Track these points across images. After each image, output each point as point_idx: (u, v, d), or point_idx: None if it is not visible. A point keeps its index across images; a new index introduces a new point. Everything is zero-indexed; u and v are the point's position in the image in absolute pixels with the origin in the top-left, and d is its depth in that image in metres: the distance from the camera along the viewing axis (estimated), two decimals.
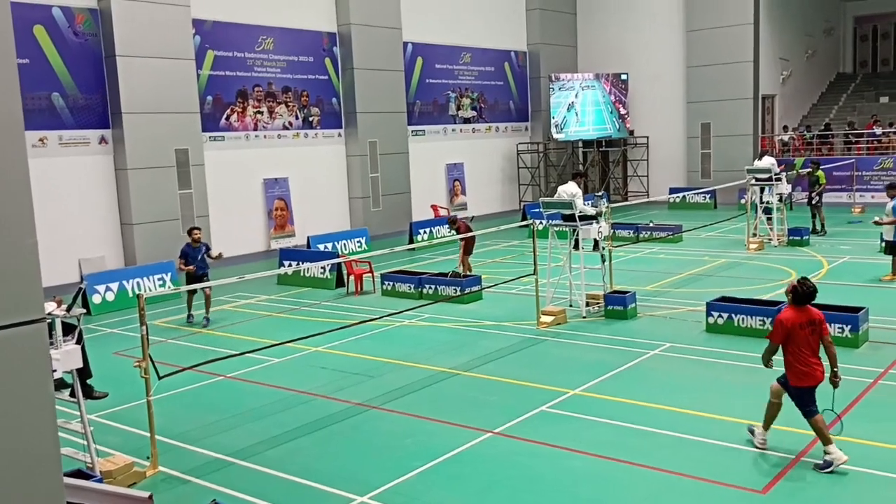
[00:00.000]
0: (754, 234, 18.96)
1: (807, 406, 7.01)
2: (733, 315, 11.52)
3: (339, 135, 24.33)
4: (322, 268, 16.84)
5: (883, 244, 15.32)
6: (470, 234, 15.37)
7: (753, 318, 11.35)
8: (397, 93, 25.24)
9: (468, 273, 15.94)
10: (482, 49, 29.03)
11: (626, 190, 31.29)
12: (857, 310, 10.82)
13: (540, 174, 30.43)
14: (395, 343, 12.12)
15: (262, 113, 22.30)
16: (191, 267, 13.56)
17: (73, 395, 7.24)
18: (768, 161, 19.61)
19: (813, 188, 20.13)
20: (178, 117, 19.51)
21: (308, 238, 20.10)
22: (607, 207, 13.42)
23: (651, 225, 21.24)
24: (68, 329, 7.10)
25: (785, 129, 30.19)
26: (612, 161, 31.25)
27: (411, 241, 20.96)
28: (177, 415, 9.25)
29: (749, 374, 9.79)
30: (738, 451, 7.48)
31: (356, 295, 15.92)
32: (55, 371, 6.89)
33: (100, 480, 7.03)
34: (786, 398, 7.27)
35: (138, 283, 16.14)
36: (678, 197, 27.54)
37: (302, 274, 17.19)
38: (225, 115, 21.42)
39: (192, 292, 14.03)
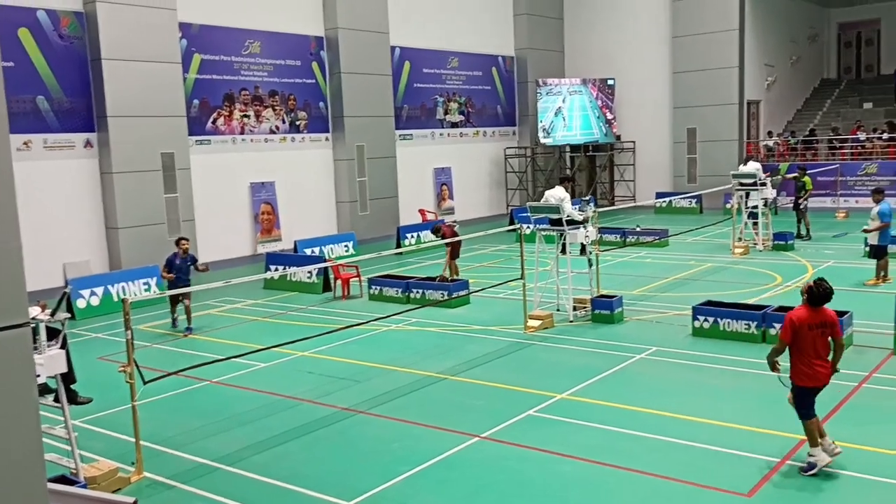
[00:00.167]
0: (740, 239, 19.07)
1: (803, 407, 7.01)
2: (719, 319, 11.58)
3: (327, 139, 24.29)
4: (309, 272, 16.80)
5: (867, 248, 15.44)
6: (456, 239, 15.38)
7: (739, 321, 11.40)
8: (385, 97, 25.23)
9: (455, 277, 15.94)
10: (470, 54, 29.07)
11: (612, 194, 31.40)
12: (841, 314, 10.85)
13: (527, 179, 30.48)
14: (382, 347, 12.10)
15: (248, 117, 22.24)
16: (171, 275, 13.38)
17: (57, 400, 7.18)
18: (753, 166, 19.74)
19: (800, 193, 20.27)
20: (164, 121, 19.42)
21: (295, 242, 20.05)
22: (594, 212, 13.47)
23: (638, 229, 21.32)
24: (52, 334, 7.05)
25: (770, 134, 30.39)
26: (599, 166, 31.36)
27: (399, 246, 20.94)
28: (162, 420, 9.19)
29: (735, 378, 9.85)
30: (724, 454, 7.51)
31: (343, 299, 15.88)
32: (39, 376, 6.83)
33: (84, 486, 6.98)
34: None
35: (123, 288, 16.06)
36: (665, 201, 27.66)
37: (288, 278, 17.14)
38: (211, 119, 21.34)
39: (174, 299, 13.69)
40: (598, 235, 14.11)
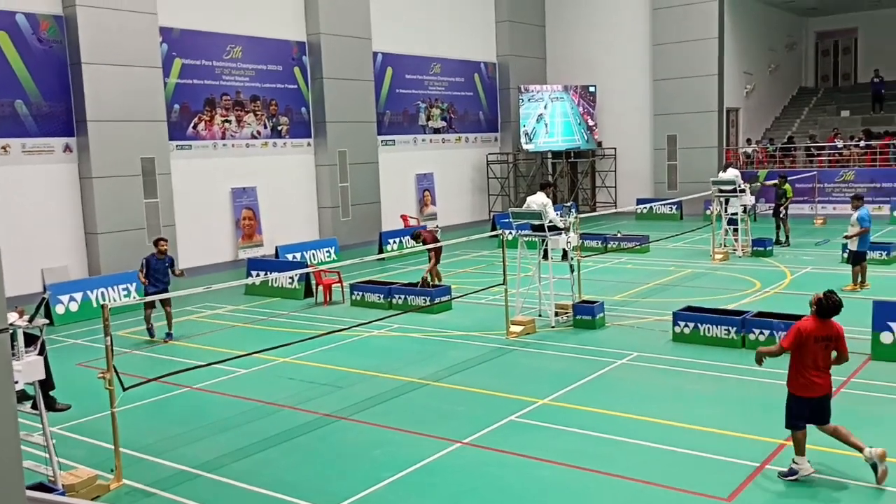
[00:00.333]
0: (721, 245, 19.23)
1: (794, 418, 7.03)
2: (699, 324, 11.66)
3: (309, 144, 24.24)
4: (290, 278, 16.74)
5: (846, 254, 15.62)
6: (437, 245, 15.39)
7: (719, 327, 11.49)
8: (367, 102, 25.23)
9: (437, 283, 15.95)
10: (452, 60, 29.15)
11: (594, 201, 31.56)
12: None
13: (509, 185, 30.57)
14: (363, 353, 12.08)
15: (229, 122, 22.15)
16: (145, 279, 13.13)
17: (35, 407, 7.12)
18: (732, 173, 19.92)
19: (780, 201, 20.47)
20: (144, 125, 19.31)
21: (276, 248, 19.98)
22: (576, 218, 13.53)
23: (619, 235, 21.44)
24: (30, 340, 6.98)
25: (749, 141, 30.68)
26: (581, 172, 31.52)
27: (381, 251, 20.92)
28: (142, 427, 9.13)
29: (715, 383, 9.92)
30: (704, 459, 7.56)
31: (325, 305, 15.84)
32: (17, 382, 6.77)
33: (62, 494, 6.91)
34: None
35: (103, 294, 15.92)
36: (645, 208, 27.83)
37: (270, 284, 17.07)
38: (192, 124, 21.24)
39: (149, 307, 13.38)
40: (580, 241, 14.18)
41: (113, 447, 7.60)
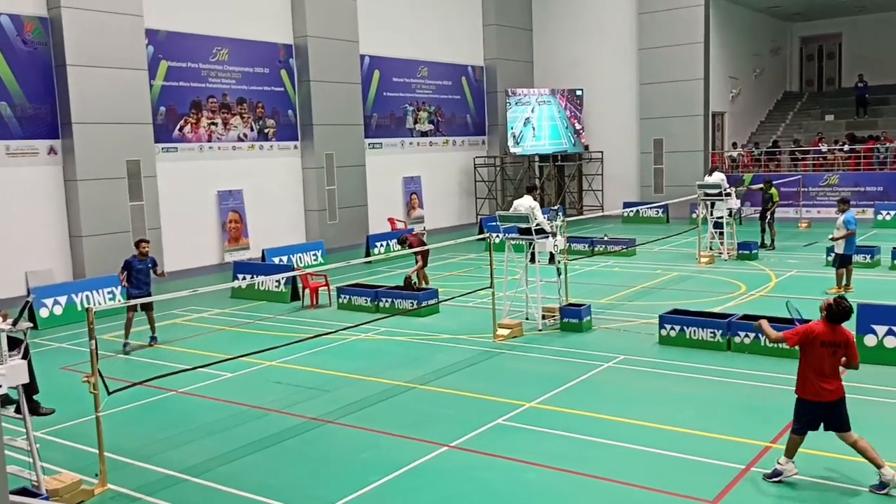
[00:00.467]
0: (707, 248, 19.33)
1: (797, 420, 7.00)
2: (685, 327, 11.71)
3: (295, 147, 24.19)
4: (277, 281, 16.69)
5: (832, 257, 15.72)
6: (424, 248, 15.38)
7: (705, 330, 11.54)
8: (354, 105, 25.22)
9: (424, 286, 15.95)
10: (439, 63, 29.18)
11: (581, 204, 31.66)
12: (804, 322, 11.05)
13: (497, 188, 30.62)
14: (350, 357, 12.05)
15: (216, 124, 22.08)
16: (126, 282, 12.80)
17: (18, 411, 7.07)
18: (718, 177, 20.03)
19: (767, 205, 20.60)
20: (129, 128, 19.21)
21: (263, 251, 19.91)
22: (563, 221, 13.56)
23: (605, 239, 21.50)
24: (14, 344, 6.93)
25: (734, 145, 30.87)
26: (568, 175, 31.61)
27: (368, 255, 20.90)
28: (127, 431, 9.07)
29: (701, 386, 9.97)
30: (690, 461, 7.59)
31: (311, 308, 15.80)
32: (0, 386, 6.72)
33: (46, 499, 6.87)
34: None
35: (87, 297, 15.81)
36: (632, 211, 27.94)
37: (256, 287, 17.01)
38: (178, 127, 21.15)
39: (132, 309, 12.87)
40: (567, 244, 14.21)
41: (97, 451, 7.54)
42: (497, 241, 14.19)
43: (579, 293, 14.90)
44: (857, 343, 10.46)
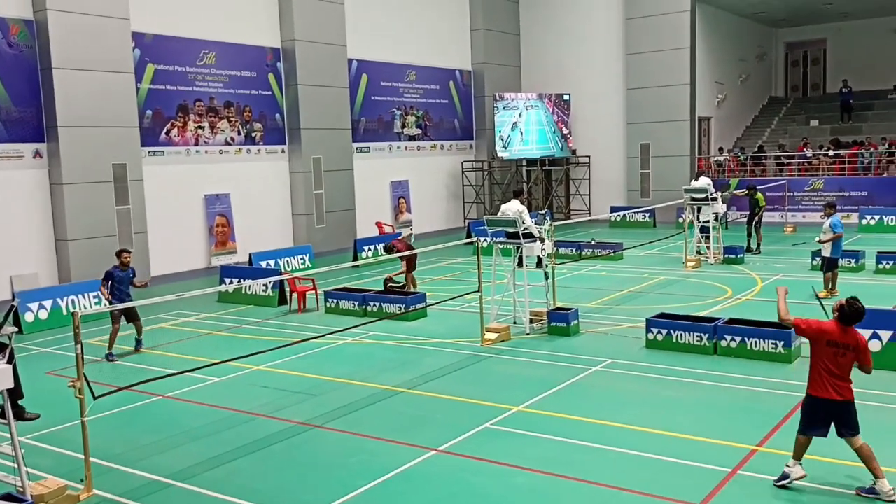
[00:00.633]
0: (696, 252, 19.43)
1: (804, 419, 6.96)
2: (672, 331, 11.75)
3: (283, 151, 24.15)
4: (264, 285, 16.64)
5: (817, 261, 15.83)
6: (410, 253, 15.36)
7: (691, 334, 11.59)
8: (342, 109, 25.20)
9: (412, 289, 15.94)
10: (427, 67, 29.21)
11: (568, 208, 31.75)
12: (788, 326, 11.13)
13: (484, 192, 30.68)
14: (338, 361, 12.03)
15: (203, 128, 22.01)
16: (108, 294, 12.46)
17: (3, 416, 7.00)
18: (704, 181, 20.15)
19: (755, 209, 20.72)
20: (116, 131, 19.12)
21: (250, 255, 19.85)
22: (550, 225, 13.60)
23: (593, 243, 21.58)
24: None
25: (720, 150, 31.06)
26: (555, 180, 31.70)
27: (356, 259, 20.87)
28: (112, 436, 9.01)
29: (688, 389, 10.01)
30: (677, 465, 7.62)
31: (299, 312, 15.77)
32: None
33: None
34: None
35: (73, 301, 15.71)
36: (619, 215, 28.04)
37: (243, 291, 16.95)
38: (165, 130, 21.07)
39: (117, 323, 12.60)
40: (554, 249, 14.25)
41: (83, 457, 7.49)
42: (485, 245, 14.21)
43: (567, 297, 14.94)
44: None
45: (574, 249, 21.01)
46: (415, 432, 8.73)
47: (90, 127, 18.56)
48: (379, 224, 25.77)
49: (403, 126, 28.54)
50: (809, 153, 28.97)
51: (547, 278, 13.43)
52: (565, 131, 30.49)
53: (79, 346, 7.39)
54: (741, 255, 19.36)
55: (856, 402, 6.91)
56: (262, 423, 9.29)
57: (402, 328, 13.87)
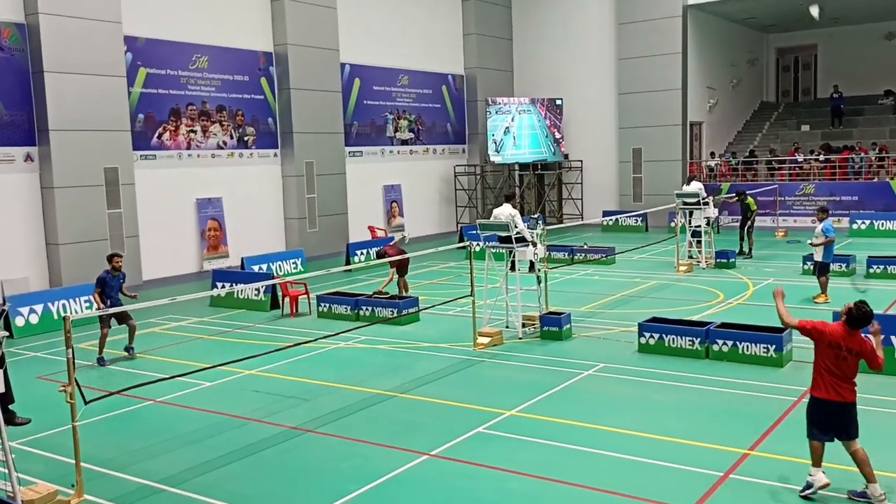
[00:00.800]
0: (688, 257, 19.48)
1: (810, 422, 6.92)
2: (664, 335, 11.78)
3: (275, 155, 24.12)
4: (256, 289, 16.61)
5: (810, 265, 15.88)
6: (399, 258, 15.32)
7: (683, 338, 11.62)
8: (334, 113, 25.20)
9: (405, 294, 15.93)
10: (420, 72, 29.24)
11: (561, 213, 31.79)
12: (780, 330, 11.19)
13: (477, 196, 30.70)
14: (330, 365, 12.01)
15: (195, 132, 21.97)
16: (103, 302, 12.35)
17: None
18: (696, 186, 20.20)
19: (747, 214, 20.78)
20: (107, 135, 19.06)
21: (242, 259, 19.80)
22: (543, 229, 13.62)
23: (585, 247, 21.61)
24: None
25: (712, 155, 31.15)
26: (548, 184, 31.74)
27: (348, 263, 20.85)
28: (103, 441, 8.97)
29: (680, 393, 10.03)
30: (669, 469, 7.63)
31: (291, 317, 15.74)
32: None
33: None
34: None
35: (64, 305, 15.65)
36: (611, 220, 28.10)
37: (235, 296, 16.91)
38: (157, 134, 21.02)
39: (106, 327, 12.49)
40: (547, 253, 14.27)
41: (74, 462, 7.45)
42: (477, 249, 14.23)
43: (559, 301, 14.96)
44: None
45: (566, 254, 21.04)
46: (407, 437, 8.72)
47: (82, 130, 18.51)
48: (371, 228, 25.74)
49: (396, 130, 28.55)
50: (800, 158, 29.08)
51: (539, 282, 13.45)
52: (558, 136, 30.55)
53: (70, 351, 7.36)
54: (733, 260, 19.42)
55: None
56: (253, 428, 9.26)
57: (395, 332, 13.85)
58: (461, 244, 16.65)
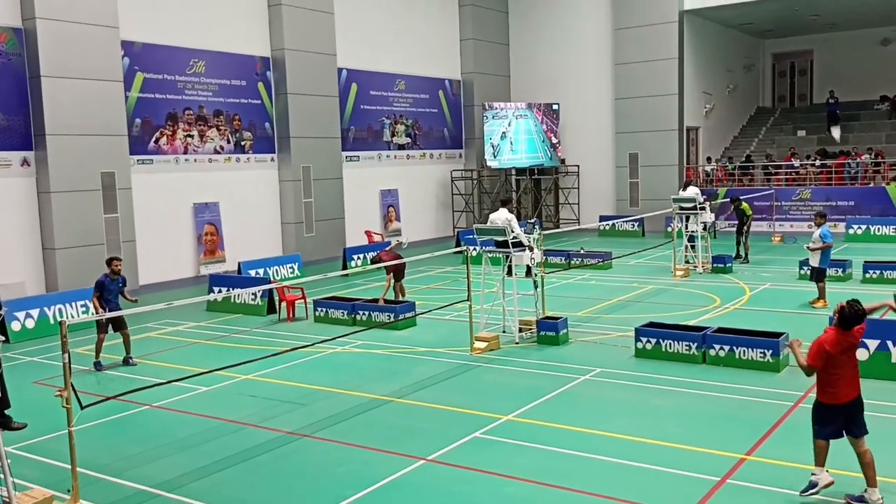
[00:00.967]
0: (685, 261, 19.50)
1: (818, 423, 6.89)
2: (661, 340, 11.78)
3: (272, 159, 24.12)
4: (253, 294, 16.59)
5: (807, 270, 15.90)
6: (394, 262, 15.30)
7: (680, 343, 11.62)
8: (331, 118, 25.21)
9: (401, 299, 15.92)
10: (417, 77, 29.28)
11: (557, 217, 31.82)
12: (777, 335, 11.21)
13: (474, 201, 30.72)
14: (327, 370, 12.00)
15: (192, 136, 21.96)
16: (101, 308, 12.22)
17: None
18: (692, 191, 20.24)
19: (743, 218, 20.81)
20: (104, 140, 19.05)
21: (239, 264, 19.79)
22: (540, 234, 13.63)
23: (582, 252, 21.62)
24: None
25: (708, 160, 31.21)
26: (545, 189, 31.77)
27: (345, 267, 20.84)
28: (99, 446, 8.95)
29: (677, 398, 10.03)
30: (666, 474, 7.63)
31: (288, 321, 15.72)
32: None
33: None
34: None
35: (60, 310, 15.61)
36: (608, 224, 28.13)
37: (232, 300, 16.89)
38: (154, 138, 21.02)
39: (103, 331, 12.47)
40: (543, 258, 14.27)
41: (70, 467, 7.43)
42: (474, 254, 14.22)
43: (556, 306, 14.96)
44: None
45: (563, 258, 21.05)
46: (404, 442, 8.71)
47: (78, 135, 18.50)
48: (368, 233, 25.76)
49: (393, 135, 28.57)
50: (797, 163, 29.16)
51: (536, 287, 13.45)
52: (554, 140, 30.59)
53: (66, 356, 7.34)
54: (730, 265, 19.44)
55: None
56: (250, 433, 9.25)
57: (392, 337, 13.85)
58: (458, 249, 16.66)
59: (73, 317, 15.43)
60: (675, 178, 28.41)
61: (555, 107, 30.56)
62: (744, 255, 20.77)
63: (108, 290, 12.47)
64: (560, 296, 16.66)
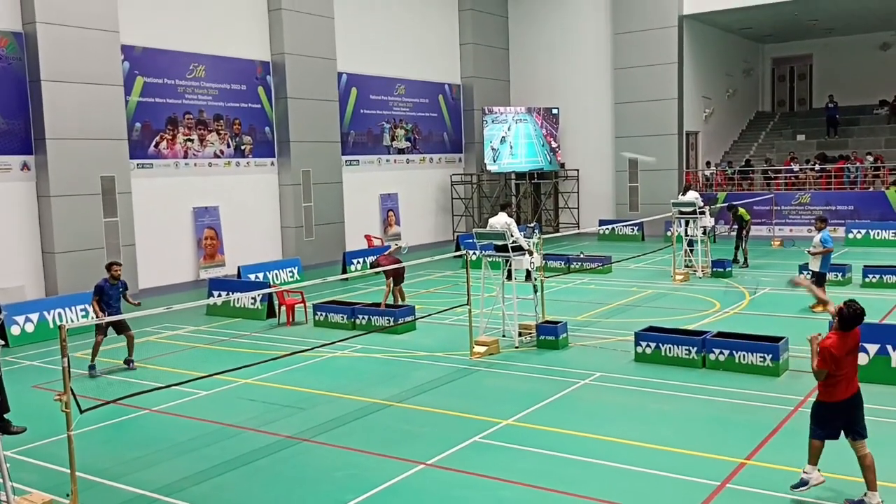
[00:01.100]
0: (684, 266, 19.50)
1: (816, 423, 6.89)
2: (661, 344, 11.78)
3: (272, 164, 24.13)
4: (253, 298, 16.58)
5: (807, 274, 15.89)
6: (393, 266, 15.30)
7: (680, 347, 11.62)
8: (331, 122, 25.23)
9: (401, 303, 15.91)
10: (417, 81, 29.31)
11: (557, 221, 31.83)
12: (777, 339, 11.20)
13: (473, 205, 30.73)
14: (326, 374, 11.99)
15: (192, 141, 21.97)
16: (102, 311, 12.17)
17: None
18: (692, 195, 20.25)
19: (741, 224, 20.81)
20: (104, 144, 19.07)
21: (238, 268, 19.79)
22: (539, 238, 13.63)
23: (581, 256, 21.62)
24: None
25: (708, 164, 31.23)
26: (544, 193, 31.79)
27: (344, 271, 20.84)
28: (99, 450, 8.94)
29: (676, 403, 10.03)
30: (666, 478, 7.62)
31: (288, 325, 15.72)
32: None
33: None
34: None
35: (60, 314, 15.61)
36: (607, 229, 28.14)
37: (232, 304, 16.89)
38: (154, 143, 21.03)
39: (101, 334, 12.40)
40: (543, 262, 14.28)
41: (69, 471, 7.42)
42: (474, 258, 14.23)
43: (555, 310, 14.96)
44: None
45: (563, 263, 21.04)
46: (403, 446, 8.70)
47: (78, 139, 18.51)
48: (368, 237, 25.76)
49: (393, 139, 28.59)
50: (796, 167, 29.17)
51: (536, 291, 13.45)
52: (554, 145, 30.61)
53: (65, 360, 7.34)
54: (729, 269, 19.44)
55: None
56: (249, 437, 9.24)
57: (391, 341, 13.84)
58: (457, 253, 16.66)
59: (72, 321, 15.42)
60: (675, 183, 28.43)
61: (554, 111, 30.58)
62: (742, 260, 20.77)
63: (108, 295, 12.43)
64: (560, 300, 16.66)
